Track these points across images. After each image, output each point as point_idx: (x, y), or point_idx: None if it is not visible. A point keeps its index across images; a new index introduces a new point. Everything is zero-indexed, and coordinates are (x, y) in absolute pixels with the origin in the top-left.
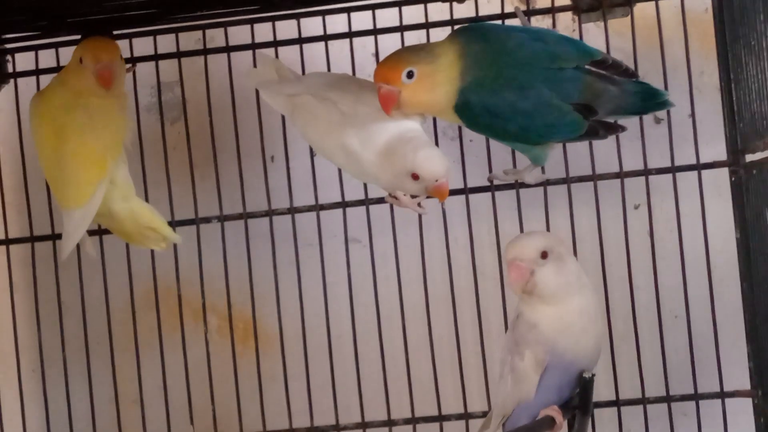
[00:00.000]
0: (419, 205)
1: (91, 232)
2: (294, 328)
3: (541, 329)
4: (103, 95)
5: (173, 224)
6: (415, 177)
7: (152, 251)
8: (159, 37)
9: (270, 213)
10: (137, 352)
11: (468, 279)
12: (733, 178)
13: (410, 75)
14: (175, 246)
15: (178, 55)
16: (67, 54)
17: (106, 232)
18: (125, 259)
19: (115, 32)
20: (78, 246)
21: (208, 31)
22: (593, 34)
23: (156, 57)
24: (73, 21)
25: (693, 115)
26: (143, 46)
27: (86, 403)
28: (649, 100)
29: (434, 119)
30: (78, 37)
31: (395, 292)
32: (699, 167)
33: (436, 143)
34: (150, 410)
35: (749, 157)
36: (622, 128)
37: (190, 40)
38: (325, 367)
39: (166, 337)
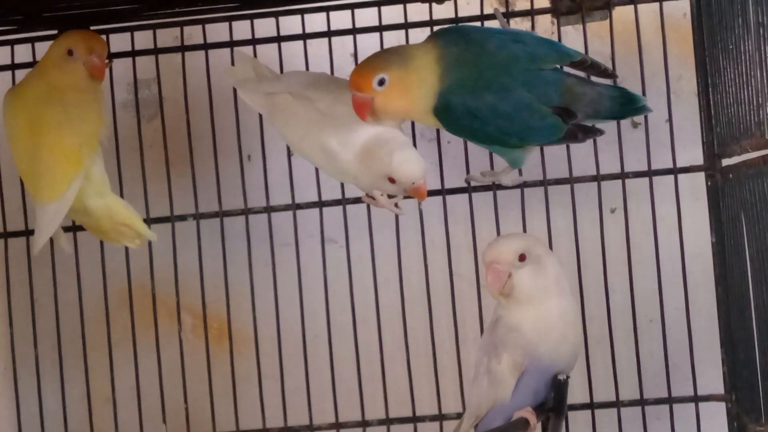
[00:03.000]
0: (396, 205)
1: (65, 229)
2: (269, 328)
3: (522, 332)
4: (83, 90)
5: (148, 222)
6: (392, 180)
7: (127, 249)
8: (136, 34)
9: (246, 212)
10: (110, 350)
11: (444, 280)
12: (709, 183)
13: (381, 82)
14: (150, 244)
15: (156, 51)
16: (43, 49)
17: (81, 228)
18: (99, 256)
19: (91, 27)
20: (52, 243)
21: (186, 28)
22: (572, 38)
23: (133, 53)
24: (49, 16)
25: (670, 119)
26: (120, 42)
27: (58, 401)
28: (627, 105)
29: (412, 121)
30: (54, 32)
31: (371, 293)
32: (675, 171)
33: (414, 145)
34: (122, 409)
35: (726, 162)
36: (600, 132)
37: (167, 36)
38: (300, 367)
39: (139, 335)
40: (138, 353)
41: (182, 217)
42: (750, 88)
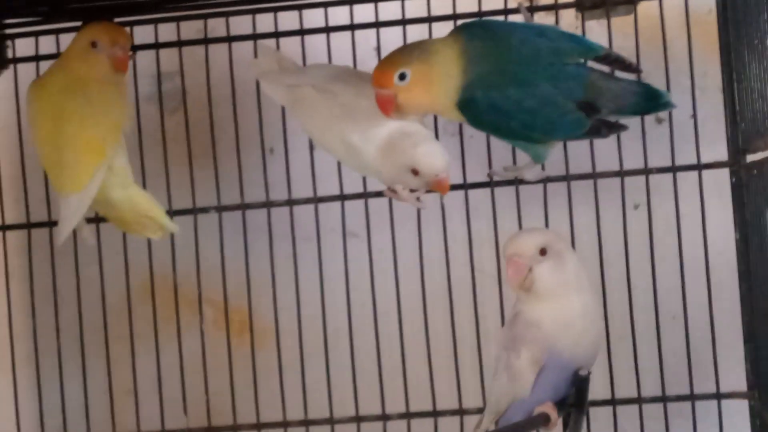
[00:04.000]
0: (418, 199)
1: (88, 220)
2: (290, 321)
3: (541, 327)
4: (107, 82)
5: (171, 214)
6: (415, 172)
7: (149, 241)
8: (160, 26)
9: (268, 205)
10: (132, 342)
11: (466, 275)
12: (733, 179)
13: (403, 77)
14: (172, 236)
15: (179, 44)
16: (67, 40)
17: (104, 220)
18: (122, 248)
19: (115, 20)
20: (75, 234)
21: (210, 21)
22: (596, 33)
23: (157, 46)
24: (74, 7)
25: (695, 115)
26: (144, 34)
27: (80, 392)
28: (651, 101)
29: (434, 115)
30: (78, 23)
31: (392, 287)
32: (700, 167)
33: (436, 139)
34: (144, 401)
35: (750, 158)
36: (624, 127)
37: (191, 29)
38: (320, 360)
39: (161, 328)
40: (159, 345)
41: (204, 210)
42: None
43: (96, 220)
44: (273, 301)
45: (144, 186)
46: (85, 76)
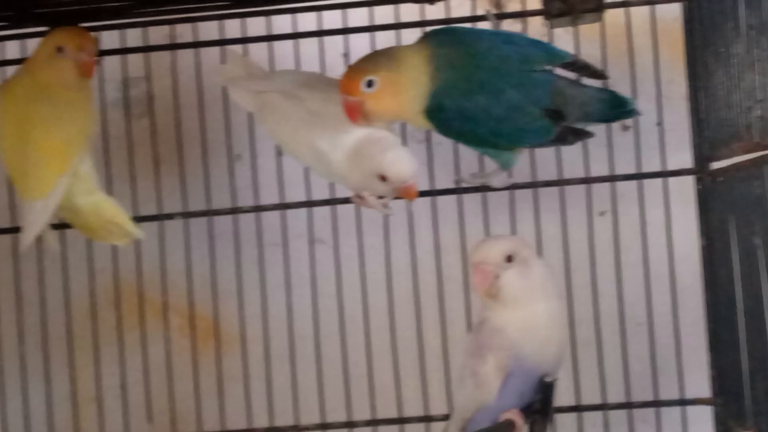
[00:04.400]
0: (385, 206)
1: (53, 226)
2: (256, 328)
3: (507, 334)
4: (72, 87)
5: (137, 220)
6: (383, 178)
7: (114, 247)
8: (127, 31)
9: (235, 211)
10: (96, 349)
11: (433, 281)
12: (699, 186)
13: (371, 84)
14: (137, 242)
15: (146, 49)
16: (33, 46)
17: (69, 226)
18: (87, 254)
19: (82, 25)
20: (40, 240)
21: (177, 27)
22: (563, 40)
23: (123, 51)
24: (40, 12)
25: (660, 122)
26: (110, 39)
27: (43, 399)
28: (617, 108)
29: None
30: (44, 29)
31: (359, 294)
32: (665, 174)
33: (404, 145)
34: (108, 408)
35: (715, 165)
36: (590, 134)
37: (158, 35)
38: (287, 367)
39: (126, 334)
40: (124, 352)
41: (170, 216)
42: (740, 91)
43: (61, 226)
44: (239, 307)
45: (110, 192)
46: (50, 82)
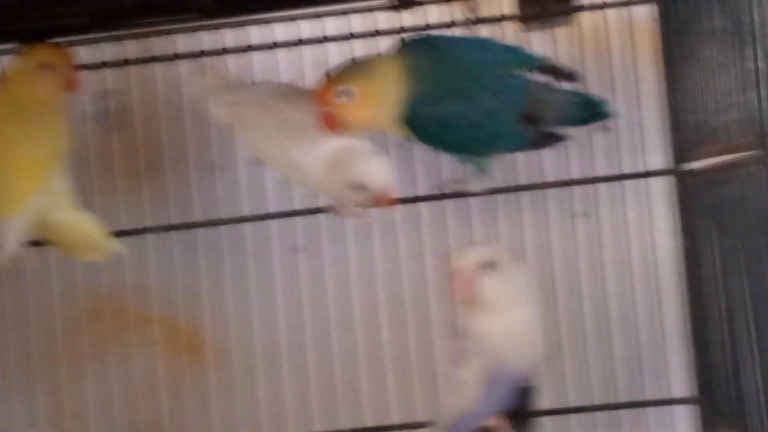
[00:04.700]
0: (366, 214)
1: (32, 243)
2: (239, 339)
3: (487, 340)
4: (53, 103)
5: (117, 234)
6: (363, 187)
7: (94, 262)
8: (104, 46)
9: (216, 222)
10: (79, 364)
11: (415, 288)
12: (677, 186)
13: (346, 94)
14: (119, 257)
15: (124, 63)
16: (5, 61)
17: (47, 243)
18: (68, 270)
19: (57, 40)
20: (18, 257)
21: (155, 40)
22: (539, 44)
23: (101, 66)
24: (13, 29)
25: (639, 123)
26: (87, 54)
27: (26, 416)
28: (593, 111)
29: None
30: (15, 45)
31: (341, 302)
32: (644, 175)
33: (383, 153)
34: (93, 424)
35: (694, 166)
36: (567, 137)
37: (134, 48)
38: (270, 377)
39: (108, 349)
40: (107, 367)
41: (151, 230)
42: (713, 93)
43: (41, 242)
44: (221, 318)
45: (88, 206)
46: (28, 98)
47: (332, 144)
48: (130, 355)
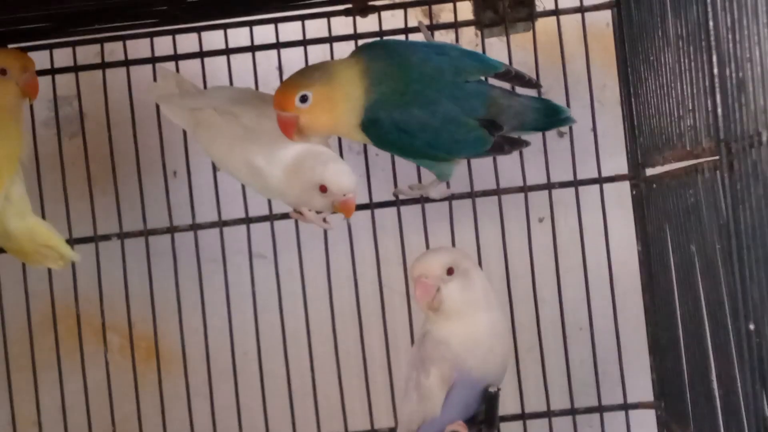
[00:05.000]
0: (325, 220)
1: None
2: (197, 346)
3: (450, 346)
4: (12, 109)
5: (71, 242)
6: (324, 189)
7: (50, 270)
8: (55, 51)
9: (172, 230)
10: (35, 373)
11: (374, 293)
12: (633, 192)
13: (305, 99)
14: (73, 264)
15: (76, 69)
16: None
17: (2, 251)
18: (22, 278)
19: (9, 45)
20: None
21: (107, 45)
22: (496, 49)
23: (53, 71)
24: None
25: (594, 129)
26: (39, 59)
27: None
28: (552, 116)
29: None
30: None
31: (301, 308)
32: (601, 181)
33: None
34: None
35: (649, 171)
36: (526, 143)
37: (88, 53)
38: (229, 384)
39: (65, 357)
40: (64, 375)
41: (106, 237)
42: (671, 99)
43: None
44: (179, 326)
45: (43, 214)
46: None
47: (292, 150)
48: (86, 363)
